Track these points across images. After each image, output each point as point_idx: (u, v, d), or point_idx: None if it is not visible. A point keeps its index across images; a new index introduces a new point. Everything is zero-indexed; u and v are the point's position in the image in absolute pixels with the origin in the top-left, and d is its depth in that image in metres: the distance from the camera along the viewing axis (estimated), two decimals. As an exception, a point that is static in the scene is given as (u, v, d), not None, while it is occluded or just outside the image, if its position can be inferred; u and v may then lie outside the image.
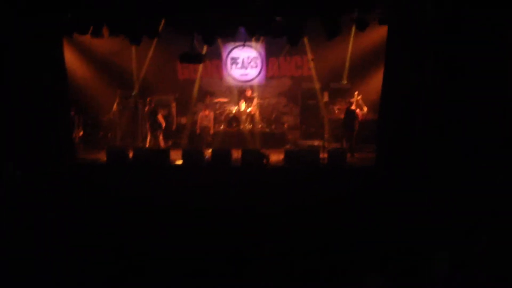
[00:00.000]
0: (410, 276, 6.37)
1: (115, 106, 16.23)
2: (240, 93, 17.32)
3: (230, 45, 17.47)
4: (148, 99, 15.44)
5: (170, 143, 15.91)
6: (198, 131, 15.88)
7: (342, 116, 15.05)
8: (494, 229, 7.56)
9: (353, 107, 14.66)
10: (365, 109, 15.16)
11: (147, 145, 15.18)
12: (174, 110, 16.75)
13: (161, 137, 15.22)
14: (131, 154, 13.47)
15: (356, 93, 15.24)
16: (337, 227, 8.56)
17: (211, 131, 16.00)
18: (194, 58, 14.38)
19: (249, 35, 13.88)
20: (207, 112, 16.00)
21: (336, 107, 15.88)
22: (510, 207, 8.67)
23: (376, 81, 14.04)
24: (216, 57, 17.70)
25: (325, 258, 7.22)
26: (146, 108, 15.41)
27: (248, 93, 16.74)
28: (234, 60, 17.68)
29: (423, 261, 6.45)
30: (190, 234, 8.24)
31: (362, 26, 12.33)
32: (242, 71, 17.68)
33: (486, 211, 8.62)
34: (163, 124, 15.13)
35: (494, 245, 6.88)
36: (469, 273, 6.19)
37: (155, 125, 15.03)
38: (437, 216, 8.71)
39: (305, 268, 6.96)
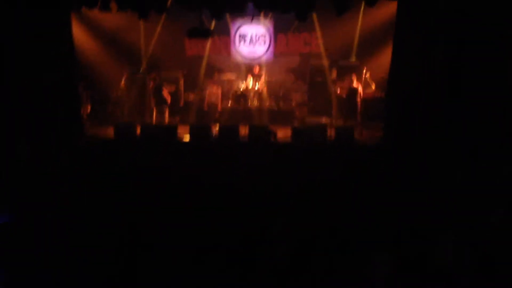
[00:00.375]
0: (417, 254, 6.39)
1: (123, 82, 16.21)
2: (248, 70, 17.25)
3: (239, 21, 17.38)
4: (153, 75, 15.43)
5: (177, 119, 15.90)
6: (205, 108, 15.87)
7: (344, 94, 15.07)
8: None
9: (354, 84, 14.64)
10: (373, 86, 15.13)
11: (154, 121, 15.19)
12: (181, 86, 16.71)
13: (166, 113, 15.21)
14: (138, 130, 13.47)
15: (364, 70, 15.20)
16: (344, 205, 8.57)
17: (219, 108, 15.98)
18: (202, 33, 14.31)
19: (258, 10, 13.80)
20: (214, 89, 15.96)
21: (338, 86, 15.76)
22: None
23: (385, 59, 13.97)
24: (225, 33, 17.62)
25: (332, 236, 7.24)
26: (151, 84, 15.40)
27: (256, 70, 16.67)
28: (243, 37, 17.59)
29: (431, 240, 6.47)
30: (197, 210, 8.26)
31: (371, 2, 12.23)
32: (250, 47, 17.60)
33: (501, 189, 8.60)
34: (168, 100, 15.12)
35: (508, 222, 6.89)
36: (477, 253, 6.21)
37: (160, 101, 15.02)
38: (446, 194, 8.69)
39: (312, 246, 6.98)
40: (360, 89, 14.75)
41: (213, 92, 15.89)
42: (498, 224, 6.89)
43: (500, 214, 7.01)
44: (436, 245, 6.41)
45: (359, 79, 15.09)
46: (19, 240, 7.36)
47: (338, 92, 15.42)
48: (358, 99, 14.68)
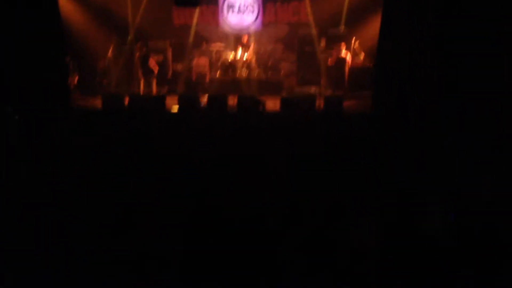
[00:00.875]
0: (404, 218, 6.43)
1: (110, 52, 16.11)
2: (237, 39, 17.16)
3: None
4: (138, 44, 15.32)
5: (166, 89, 15.83)
6: (193, 78, 15.80)
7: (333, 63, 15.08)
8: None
9: (342, 53, 14.63)
10: (362, 55, 15.10)
11: (141, 91, 15.11)
12: (169, 56, 16.61)
13: (154, 83, 15.14)
14: (126, 101, 13.40)
15: (353, 39, 15.16)
16: (332, 173, 8.58)
17: (207, 78, 15.91)
18: (190, 1, 14.18)
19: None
20: (202, 59, 15.88)
21: (327, 56, 15.72)
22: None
23: (374, 28, 13.88)
24: (213, 2, 17.47)
25: (320, 203, 7.25)
26: (137, 54, 15.28)
27: (245, 39, 16.59)
28: (231, 6, 17.43)
29: (418, 204, 6.50)
30: (186, 182, 8.24)
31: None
32: (239, 17, 17.44)
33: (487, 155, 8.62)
34: (155, 70, 15.03)
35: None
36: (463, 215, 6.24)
37: (147, 71, 14.94)
38: (435, 161, 8.72)
39: (300, 212, 7.01)
40: (348, 58, 14.73)
41: (200, 63, 15.81)
42: (487, 191, 6.92)
43: (487, 181, 7.04)
44: (423, 211, 6.44)
45: (348, 48, 15.06)
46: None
47: (329, 62, 15.38)
48: (346, 69, 14.68)
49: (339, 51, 14.75)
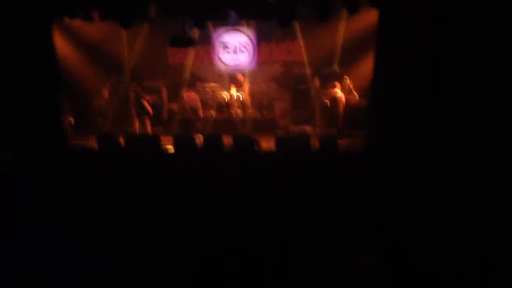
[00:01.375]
0: (403, 251, 6.43)
1: (105, 91, 16.16)
2: (231, 79, 17.29)
3: (221, 30, 17.38)
4: (133, 85, 15.41)
5: (161, 129, 15.86)
6: (186, 113, 15.84)
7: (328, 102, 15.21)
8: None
9: (337, 91, 14.76)
10: (356, 94, 15.21)
11: (137, 131, 15.14)
12: (165, 96, 16.67)
13: (148, 123, 15.18)
14: (122, 140, 13.40)
15: (346, 78, 15.30)
16: (329, 209, 8.60)
17: (200, 113, 15.94)
18: (185, 42, 14.29)
19: (240, 18, 13.83)
20: (192, 94, 15.91)
21: (322, 95, 15.85)
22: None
23: (367, 67, 13.98)
24: (207, 42, 17.60)
25: (318, 237, 7.27)
26: (132, 94, 15.36)
27: (239, 78, 16.70)
28: (225, 45, 17.59)
29: (417, 237, 6.51)
30: (183, 220, 8.22)
31: (353, 9, 12.28)
32: (233, 56, 17.60)
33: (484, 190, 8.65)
34: (149, 110, 15.10)
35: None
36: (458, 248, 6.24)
37: (141, 111, 15.01)
38: (429, 194, 8.75)
39: (298, 246, 7.03)
40: (343, 98, 14.85)
41: (191, 96, 15.85)
42: (481, 212, 6.94)
43: (482, 202, 7.07)
44: (422, 242, 6.45)
45: (343, 88, 15.19)
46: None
47: (325, 103, 15.49)
48: (341, 108, 14.79)
49: (334, 91, 14.89)
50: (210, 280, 6.56)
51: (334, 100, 14.88)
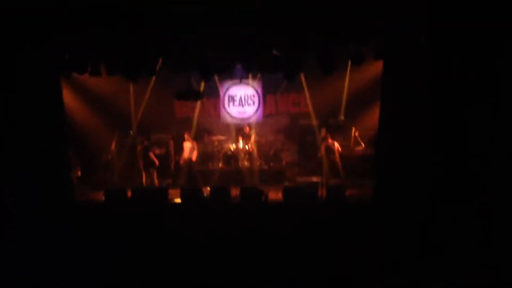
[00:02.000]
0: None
1: (113, 145, 16.25)
2: (238, 130, 17.40)
3: (227, 83, 17.59)
4: (139, 138, 15.51)
5: (169, 181, 15.86)
6: (181, 162, 15.85)
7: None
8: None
9: (329, 141, 14.85)
10: (362, 145, 15.25)
11: (144, 184, 15.17)
12: (172, 148, 16.75)
13: (155, 175, 15.22)
14: (129, 194, 13.41)
15: (353, 128, 15.36)
16: (336, 262, 8.54)
17: (193, 159, 15.93)
18: (192, 95, 14.43)
19: (246, 71, 13.98)
20: (189, 143, 15.92)
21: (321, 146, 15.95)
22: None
23: (373, 117, 14.04)
24: (213, 95, 17.81)
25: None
26: (139, 147, 15.43)
27: (246, 130, 16.80)
28: (232, 98, 17.78)
29: None
30: (190, 272, 8.19)
31: (358, 61, 12.41)
32: (240, 108, 17.78)
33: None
34: (156, 162, 15.16)
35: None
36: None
37: (148, 164, 15.07)
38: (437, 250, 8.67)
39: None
40: (336, 145, 14.94)
41: (189, 146, 15.85)
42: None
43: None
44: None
45: (345, 138, 15.28)
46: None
47: (319, 154, 15.57)
48: (337, 155, 14.86)
49: (326, 140, 15.02)
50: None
51: (329, 150, 14.98)
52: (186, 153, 15.85)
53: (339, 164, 15.04)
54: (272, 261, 8.74)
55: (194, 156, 15.93)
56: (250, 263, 8.63)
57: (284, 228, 11.11)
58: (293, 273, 8.07)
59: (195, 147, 16.05)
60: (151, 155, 15.12)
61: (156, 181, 15.25)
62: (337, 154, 15.09)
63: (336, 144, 15.13)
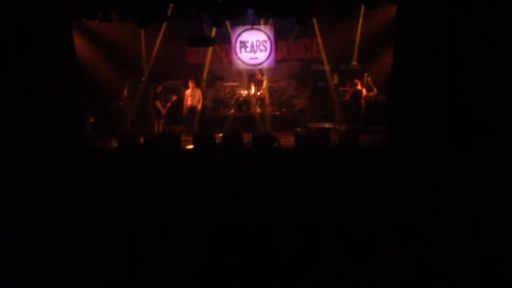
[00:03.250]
0: (424, 249, 6.39)
1: (125, 92, 16.25)
2: (250, 76, 17.34)
3: (239, 29, 17.42)
4: (151, 86, 15.52)
5: (181, 128, 15.90)
6: (184, 112, 15.89)
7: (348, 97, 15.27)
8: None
9: (358, 87, 14.77)
10: (375, 90, 15.17)
11: (156, 130, 15.28)
12: (184, 95, 16.74)
13: (161, 124, 15.32)
14: (142, 140, 13.48)
15: (365, 74, 15.25)
16: (348, 208, 8.57)
17: (199, 109, 16.01)
18: (203, 41, 14.32)
19: (258, 16, 13.85)
20: (192, 90, 15.93)
21: (342, 91, 15.90)
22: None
23: (386, 62, 13.92)
24: (225, 41, 17.65)
25: (339, 236, 7.25)
26: (151, 94, 15.48)
27: (258, 76, 16.72)
28: (243, 44, 17.63)
29: (437, 236, 6.46)
30: (201, 220, 8.24)
31: (370, 5, 12.24)
32: (252, 54, 17.63)
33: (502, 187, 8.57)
34: (162, 111, 15.24)
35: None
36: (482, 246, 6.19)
37: (155, 113, 15.16)
38: (450, 194, 8.68)
39: (320, 244, 7.01)
40: (364, 91, 14.88)
41: (191, 93, 15.79)
42: (502, 223, 6.88)
43: (501, 214, 7.01)
44: (441, 245, 6.40)
45: (361, 83, 15.18)
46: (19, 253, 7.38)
47: (346, 97, 15.52)
48: (362, 102, 14.83)
49: (355, 85, 14.93)
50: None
51: (356, 94, 14.90)
52: (188, 101, 15.80)
53: (363, 111, 15.03)
54: (284, 206, 8.77)
55: (200, 105, 15.92)
56: (261, 211, 8.66)
57: (297, 173, 11.15)
58: (303, 220, 8.09)
59: (200, 95, 16.00)
60: (158, 104, 15.16)
61: (161, 128, 15.35)
62: (363, 100, 15.08)
63: (364, 91, 15.08)
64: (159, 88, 15.60)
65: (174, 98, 15.77)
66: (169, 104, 15.65)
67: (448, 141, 11.18)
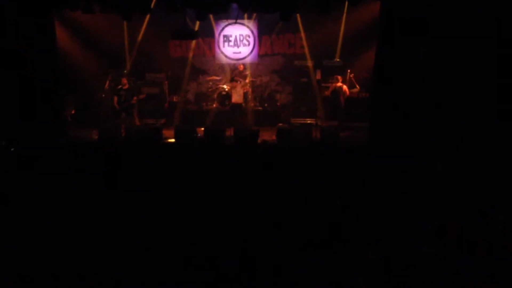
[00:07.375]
0: (402, 252, 6.42)
1: (107, 84, 16.14)
2: (233, 71, 17.31)
3: (223, 23, 17.38)
4: (130, 78, 15.53)
5: (163, 121, 15.87)
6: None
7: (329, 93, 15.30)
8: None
9: (339, 84, 14.79)
10: (358, 87, 15.21)
11: (137, 122, 15.23)
12: (166, 88, 16.68)
13: (135, 114, 15.38)
14: (123, 132, 13.42)
15: (348, 71, 15.29)
16: (330, 204, 8.58)
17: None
18: (187, 34, 14.27)
19: (242, 11, 13.82)
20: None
21: (324, 87, 15.91)
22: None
23: (369, 59, 13.96)
24: (209, 35, 17.60)
25: (318, 232, 7.25)
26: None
27: (240, 68, 16.76)
28: (227, 38, 17.59)
29: (416, 234, 6.49)
30: (183, 213, 8.22)
31: (354, 1, 12.26)
32: (235, 49, 17.61)
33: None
34: (117, 107, 15.35)
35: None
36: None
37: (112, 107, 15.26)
38: (429, 191, 8.72)
39: (300, 240, 7.01)
40: (345, 88, 14.89)
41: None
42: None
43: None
44: (420, 242, 6.43)
45: (343, 80, 15.21)
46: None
47: (326, 92, 15.52)
48: (342, 99, 14.85)
49: (337, 81, 14.94)
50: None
51: (336, 90, 14.91)
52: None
53: (343, 107, 15.05)
54: (265, 202, 8.77)
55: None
56: (242, 204, 8.66)
57: (278, 169, 11.16)
58: (284, 216, 8.09)
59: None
60: (115, 99, 15.30)
61: (137, 121, 15.46)
62: (342, 97, 15.09)
63: (345, 87, 15.10)
64: (124, 81, 15.42)
65: (142, 96, 15.76)
66: (142, 96, 15.69)
67: (429, 139, 11.25)
